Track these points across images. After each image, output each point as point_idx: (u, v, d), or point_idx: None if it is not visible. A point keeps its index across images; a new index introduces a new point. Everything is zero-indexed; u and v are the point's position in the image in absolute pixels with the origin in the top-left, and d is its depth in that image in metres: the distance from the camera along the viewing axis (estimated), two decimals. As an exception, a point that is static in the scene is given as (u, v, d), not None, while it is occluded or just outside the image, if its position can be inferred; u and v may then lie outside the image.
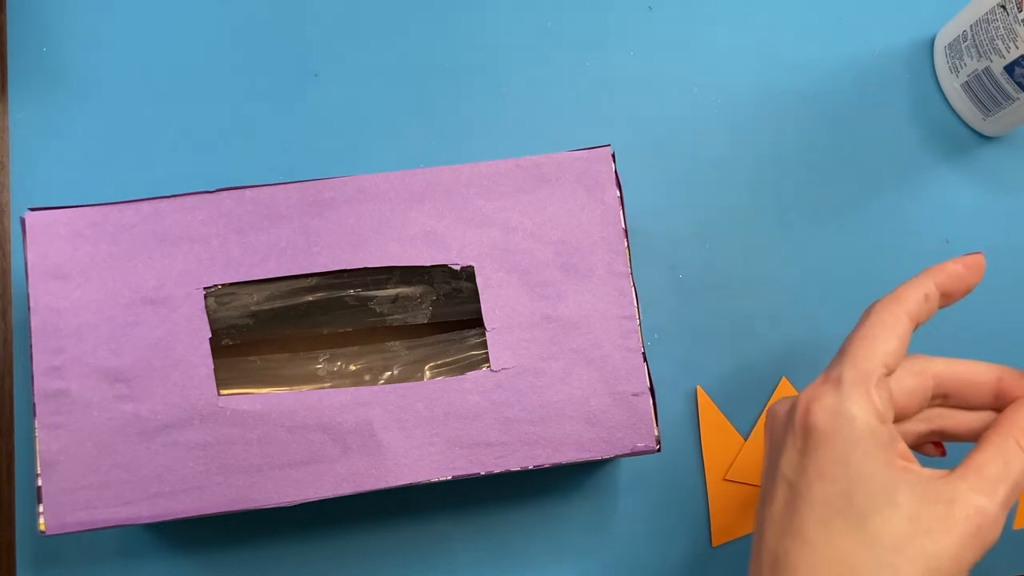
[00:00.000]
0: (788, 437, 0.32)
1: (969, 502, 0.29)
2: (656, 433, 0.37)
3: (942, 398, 0.34)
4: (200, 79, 0.47)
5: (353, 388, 0.37)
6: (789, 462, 0.32)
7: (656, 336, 0.46)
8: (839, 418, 0.31)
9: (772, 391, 0.46)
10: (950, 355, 0.34)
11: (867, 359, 0.31)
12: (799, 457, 0.31)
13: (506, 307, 0.37)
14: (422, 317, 0.41)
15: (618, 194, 0.38)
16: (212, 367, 0.36)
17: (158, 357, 0.36)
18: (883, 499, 0.30)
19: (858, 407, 0.31)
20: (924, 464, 0.31)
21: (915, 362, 0.34)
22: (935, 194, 0.48)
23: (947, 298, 0.34)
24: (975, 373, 0.33)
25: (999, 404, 0.33)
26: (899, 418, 0.34)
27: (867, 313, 0.33)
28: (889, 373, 0.32)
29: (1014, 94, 0.44)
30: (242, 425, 0.36)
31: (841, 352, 0.33)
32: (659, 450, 0.37)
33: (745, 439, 0.45)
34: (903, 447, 0.31)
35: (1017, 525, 0.35)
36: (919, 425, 0.35)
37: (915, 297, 0.33)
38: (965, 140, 0.49)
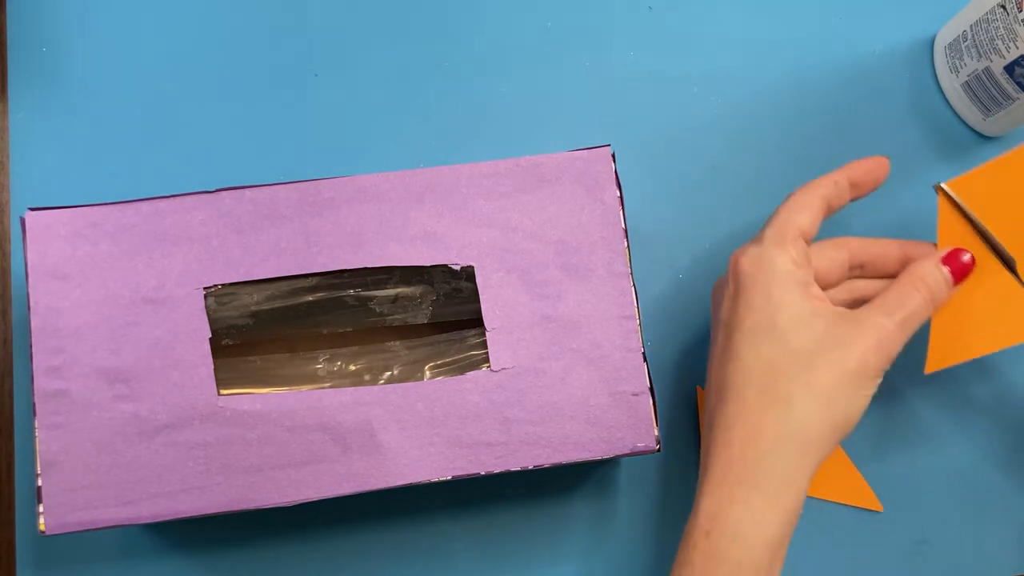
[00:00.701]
0: (724, 292, 0.38)
1: (871, 319, 0.36)
2: (656, 433, 0.37)
3: (859, 269, 0.41)
4: (200, 79, 0.47)
5: (353, 388, 0.37)
6: (724, 309, 0.38)
7: (656, 336, 0.46)
8: (760, 262, 0.37)
9: (772, 391, 0.46)
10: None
11: (784, 223, 0.38)
12: (731, 302, 0.38)
13: (506, 307, 0.37)
14: (422, 317, 0.41)
15: (618, 194, 0.38)
16: (212, 367, 0.36)
17: (158, 357, 0.36)
18: (801, 321, 0.36)
19: (776, 253, 0.37)
20: None
21: (835, 239, 0.40)
22: (935, 194, 0.48)
23: (856, 189, 0.40)
24: (884, 244, 0.40)
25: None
26: (825, 285, 0.40)
27: (787, 197, 0.39)
28: (805, 239, 0.38)
29: (1014, 94, 0.44)
30: (242, 425, 0.36)
31: (763, 226, 0.39)
32: (659, 450, 0.37)
33: (745, 439, 0.45)
34: (818, 290, 0.38)
35: (928, 370, 0.40)
36: (843, 294, 0.41)
37: (827, 183, 0.39)
38: (965, 140, 0.49)
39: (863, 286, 0.41)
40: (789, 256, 0.37)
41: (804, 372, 0.35)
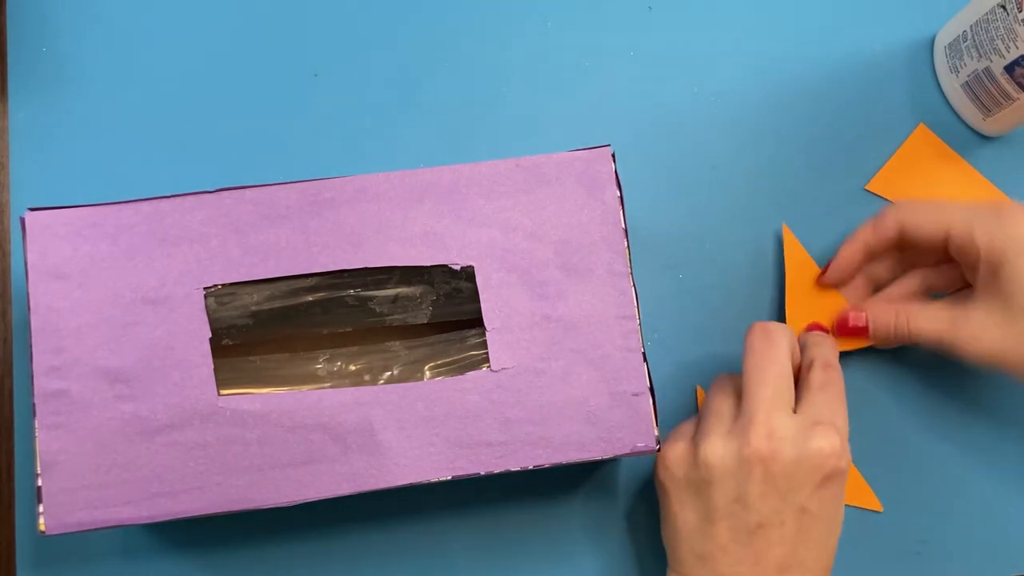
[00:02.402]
0: (748, 475, 0.37)
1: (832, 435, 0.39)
2: (656, 433, 0.37)
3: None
4: (200, 79, 0.47)
5: (353, 388, 0.37)
6: (764, 507, 0.38)
7: (656, 336, 0.46)
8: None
9: (772, 391, 0.46)
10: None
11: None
12: (764, 487, 0.37)
13: (506, 307, 0.37)
14: (422, 317, 0.41)
15: (618, 194, 0.38)
16: (212, 367, 0.36)
17: (158, 357, 0.36)
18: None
19: None
20: None
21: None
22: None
23: None
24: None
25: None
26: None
27: (764, 346, 0.40)
28: None
29: (1014, 94, 0.44)
30: (242, 425, 0.36)
31: (753, 389, 0.39)
32: (659, 450, 0.37)
33: (745, 439, 0.45)
34: None
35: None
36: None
37: (787, 345, 0.40)
38: (965, 140, 0.49)
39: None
40: None
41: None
